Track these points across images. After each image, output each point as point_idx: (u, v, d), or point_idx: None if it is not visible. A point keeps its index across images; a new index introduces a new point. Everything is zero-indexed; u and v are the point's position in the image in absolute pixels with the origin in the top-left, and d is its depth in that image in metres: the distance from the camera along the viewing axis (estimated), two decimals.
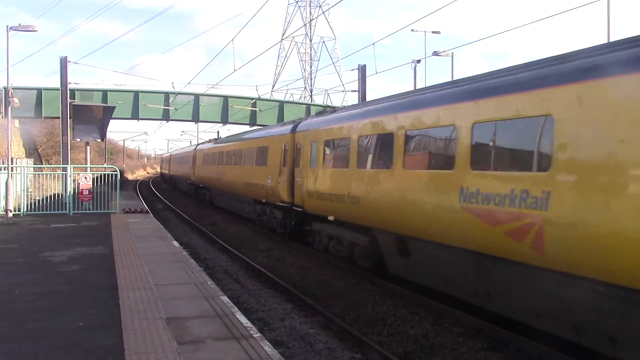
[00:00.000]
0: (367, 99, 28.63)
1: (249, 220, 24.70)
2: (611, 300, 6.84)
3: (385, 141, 12.06)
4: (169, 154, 70.20)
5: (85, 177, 22.72)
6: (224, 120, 46.50)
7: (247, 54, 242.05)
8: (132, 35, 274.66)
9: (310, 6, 76.88)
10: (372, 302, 11.37)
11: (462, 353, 8.57)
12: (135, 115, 43.61)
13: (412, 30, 35.65)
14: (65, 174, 23.28)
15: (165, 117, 44.72)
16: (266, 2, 16.63)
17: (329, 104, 57.57)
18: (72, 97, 33.66)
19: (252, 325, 7.72)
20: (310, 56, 79.16)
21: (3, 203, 21.14)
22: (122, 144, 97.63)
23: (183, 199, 43.08)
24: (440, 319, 10.08)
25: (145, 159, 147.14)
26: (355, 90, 33.31)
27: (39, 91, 40.21)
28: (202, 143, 43.89)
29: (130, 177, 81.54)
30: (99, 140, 28.06)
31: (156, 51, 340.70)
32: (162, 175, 77.90)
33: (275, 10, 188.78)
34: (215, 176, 32.03)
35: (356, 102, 31.02)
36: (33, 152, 48.56)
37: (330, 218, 14.83)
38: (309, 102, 61.72)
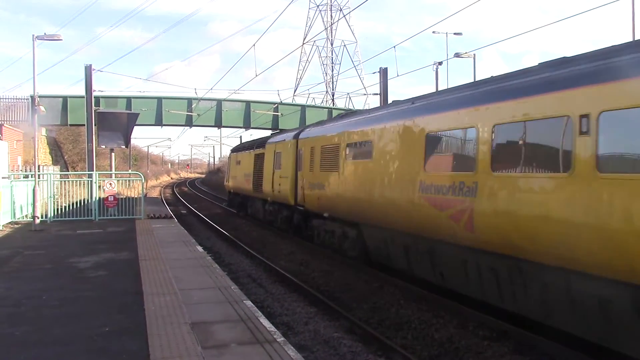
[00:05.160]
0: (388, 102, 28.63)
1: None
2: None
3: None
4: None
5: (110, 184, 22.96)
6: (247, 125, 46.70)
7: (263, 60, 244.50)
8: (150, 42, 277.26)
9: (331, 10, 76.94)
10: (396, 306, 11.32)
11: (488, 357, 8.48)
12: (159, 122, 43.98)
13: (433, 32, 35.43)
14: (91, 181, 23.59)
15: (189, 123, 45.01)
16: (288, 6, 16.75)
17: (351, 107, 57.58)
18: (97, 104, 34.10)
19: (275, 330, 7.71)
20: (332, 60, 79.14)
21: (31, 210, 21.47)
22: (147, 150, 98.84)
23: (206, 204, 43.34)
24: (465, 322, 9.99)
25: (169, 164, 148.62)
26: (376, 93, 33.24)
27: (65, 99, 40.77)
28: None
29: (153, 182, 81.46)
30: (124, 146, 28.37)
31: (172, 57, 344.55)
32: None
33: (290, 16, 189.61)
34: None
35: (378, 104, 30.95)
36: (59, 159, 49.27)
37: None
38: (331, 105, 61.75)
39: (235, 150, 35.64)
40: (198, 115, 43.08)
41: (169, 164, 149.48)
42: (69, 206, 23.00)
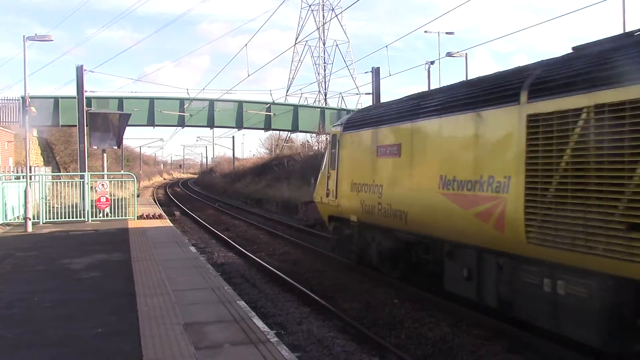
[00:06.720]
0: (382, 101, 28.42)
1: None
2: None
3: None
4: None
5: (103, 185, 22.88)
6: (239, 125, 46.81)
7: (254, 60, 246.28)
8: (140, 42, 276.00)
9: (323, 10, 76.87)
10: (390, 305, 11.32)
11: (481, 355, 8.49)
12: (151, 122, 43.97)
13: (425, 31, 35.52)
14: (83, 182, 23.50)
15: (181, 123, 45.04)
16: (280, 5, 16.70)
17: (344, 106, 57.67)
18: (89, 104, 33.98)
19: (269, 330, 7.71)
20: (324, 59, 79.09)
21: (22, 211, 21.36)
22: (139, 150, 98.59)
23: (199, 204, 43.24)
24: (459, 321, 10.01)
25: (162, 165, 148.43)
26: (369, 93, 33.29)
27: (56, 100, 40.70)
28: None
29: (146, 182, 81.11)
30: (116, 147, 28.28)
31: (163, 58, 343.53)
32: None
33: (280, 16, 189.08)
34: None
35: (370, 104, 30.85)
36: (51, 160, 49.07)
37: None
38: (324, 105, 61.79)
39: (365, 122, 13.58)
40: (190, 115, 43.07)
41: (162, 165, 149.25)
42: (61, 207, 22.89)
